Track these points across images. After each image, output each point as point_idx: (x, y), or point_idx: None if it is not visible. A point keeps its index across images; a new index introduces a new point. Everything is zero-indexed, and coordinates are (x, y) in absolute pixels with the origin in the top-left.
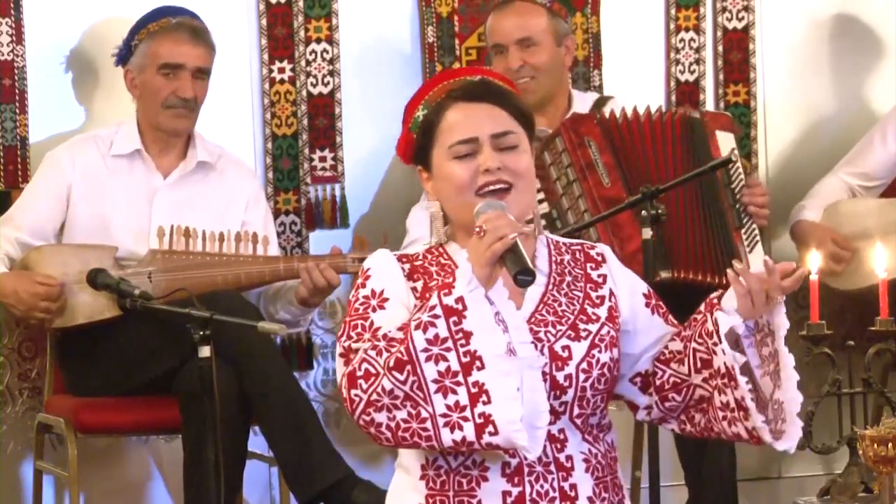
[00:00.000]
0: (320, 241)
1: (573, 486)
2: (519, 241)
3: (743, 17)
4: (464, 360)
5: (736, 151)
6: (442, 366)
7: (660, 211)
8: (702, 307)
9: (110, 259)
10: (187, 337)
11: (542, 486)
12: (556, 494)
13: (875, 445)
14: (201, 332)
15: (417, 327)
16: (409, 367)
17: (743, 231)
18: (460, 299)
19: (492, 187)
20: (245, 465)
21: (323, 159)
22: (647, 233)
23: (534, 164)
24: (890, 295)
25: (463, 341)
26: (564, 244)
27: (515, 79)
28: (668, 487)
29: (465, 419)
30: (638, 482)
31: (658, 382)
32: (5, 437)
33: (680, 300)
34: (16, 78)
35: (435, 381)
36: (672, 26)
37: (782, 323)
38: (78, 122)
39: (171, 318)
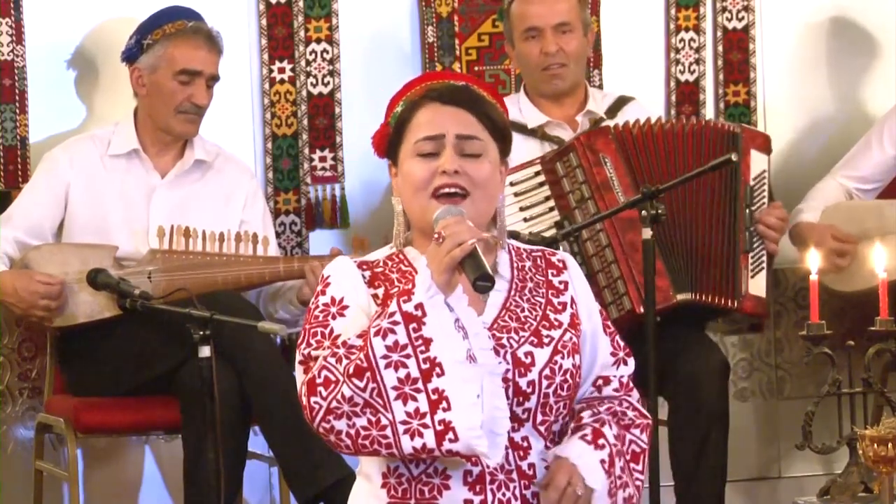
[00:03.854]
0: (320, 241)
1: (535, 494)
2: (478, 248)
3: (743, 17)
4: (423, 366)
5: (766, 172)
6: (402, 372)
7: (659, 211)
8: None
9: (110, 259)
10: (187, 337)
11: (503, 495)
12: (519, 502)
13: (875, 445)
14: (201, 332)
15: (377, 334)
16: (368, 373)
17: (751, 255)
18: (419, 306)
19: (447, 190)
20: (245, 465)
21: (323, 159)
22: (647, 233)
23: (496, 176)
24: (890, 295)
25: (423, 348)
26: (526, 250)
27: (549, 64)
28: (668, 487)
29: (426, 426)
30: None
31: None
32: (5, 437)
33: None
34: (16, 78)
35: (395, 388)
36: (672, 26)
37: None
38: (77, 122)
39: (171, 317)
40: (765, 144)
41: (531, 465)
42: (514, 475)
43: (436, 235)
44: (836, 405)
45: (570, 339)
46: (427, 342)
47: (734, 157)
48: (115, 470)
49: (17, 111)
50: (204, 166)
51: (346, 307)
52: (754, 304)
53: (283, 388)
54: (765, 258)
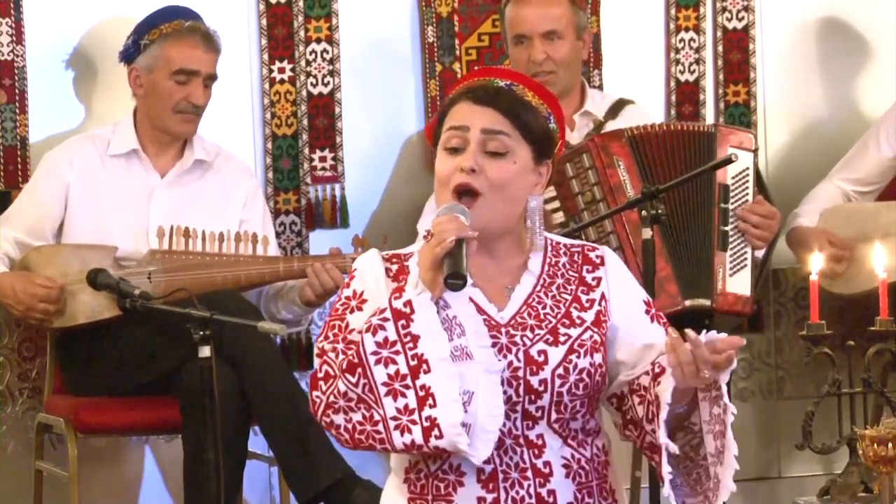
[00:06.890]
0: (320, 241)
1: (551, 493)
2: (465, 246)
3: (743, 17)
4: (412, 363)
5: (749, 170)
6: (391, 369)
7: (660, 211)
8: (652, 365)
9: (110, 259)
10: (187, 337)
11: (517, 493)
12: (533, 500)
13: (875, 445)
14: (201, 332)
15: (367, 330)
16: (360, 369)
17: (729, 253)
18: (408, 303)
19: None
20: (245, 465)
21: (323, 159)
22: (647, 233)
23: (524, 178)
24: (890, 296)
25: (411, 345)
26: (565, 245)
27: (537, 72)
28: None
29: (414, 422)
30: (638, 482)
31: (623, 409)
32: (5, 437)
33: None
34: (16, 78)
35: (384, 384)
36: (672, 26)
37: (729, 406)
38: (77, 122)
39: (171, 318)
40: (745, 142)
41: (546, 464)
42: (529, 473)
43: (425, 233)
44: (836, 405)
45: (591, 337)
46: (415, 339)
47: (734, 158)
48: (115, 470)
49: (17, 111)
50: (204, 166)
51: (364, 301)
52: (733, 302)
53: (283, 388)
54: (748, 256)
